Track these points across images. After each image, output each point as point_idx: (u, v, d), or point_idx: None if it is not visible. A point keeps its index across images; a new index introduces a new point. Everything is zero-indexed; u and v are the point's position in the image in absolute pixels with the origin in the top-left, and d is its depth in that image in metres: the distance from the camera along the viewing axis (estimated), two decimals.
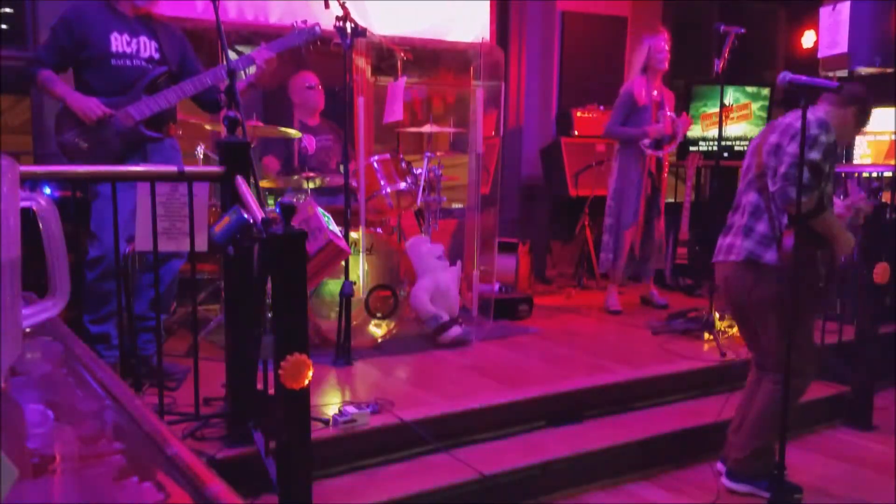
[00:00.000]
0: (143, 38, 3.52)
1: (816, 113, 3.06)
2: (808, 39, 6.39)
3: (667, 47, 5.09)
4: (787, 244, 2.96)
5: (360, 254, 4.09)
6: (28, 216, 0.94)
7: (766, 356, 3.19)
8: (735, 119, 6.66)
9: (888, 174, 5.46)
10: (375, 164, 4.36)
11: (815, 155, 2.89)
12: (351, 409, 3.07)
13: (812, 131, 2.94)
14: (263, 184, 4.06)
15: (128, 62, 3.47)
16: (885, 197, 4.89)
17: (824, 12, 5.32)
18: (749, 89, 6.65)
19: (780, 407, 3.05)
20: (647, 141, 5.08)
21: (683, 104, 6.40)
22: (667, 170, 5.40)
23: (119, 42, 3.46)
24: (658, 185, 5.29)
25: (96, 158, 3.38)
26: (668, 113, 5.16)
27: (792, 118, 3.08)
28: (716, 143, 5.87)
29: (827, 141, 2.94)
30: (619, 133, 5.19)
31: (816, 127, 2.96)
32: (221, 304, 4.36)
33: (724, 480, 3.25)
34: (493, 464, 3.05)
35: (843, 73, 4.98)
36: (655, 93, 5.16)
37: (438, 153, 4.77)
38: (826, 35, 5.37)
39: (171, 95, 3.45)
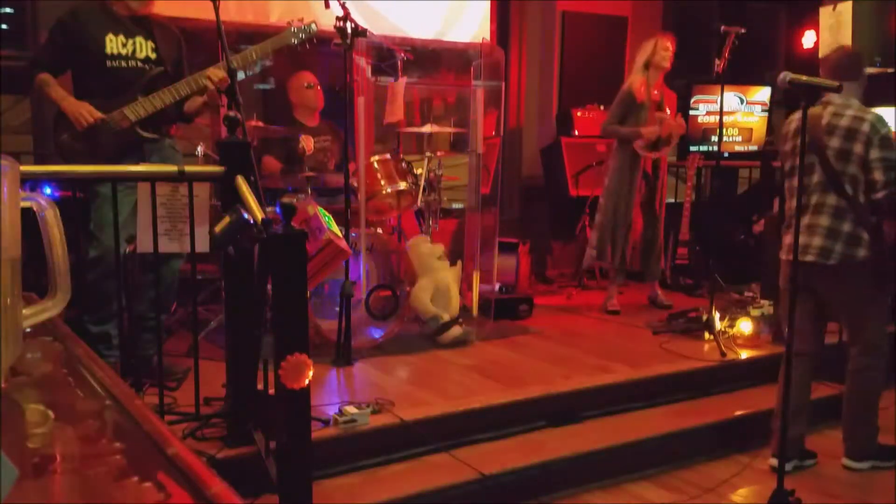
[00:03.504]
0: (139, 39, 3.50)
1: (865, 107, 3.26)
2: (808, 39, 6.37)
3: (672, 48, 5.07)
4: (888, 231, 3.20)
5: (361, 254, 4.09)
6: (28, 216, 0.94)
7: (861, 341, 3.40)
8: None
9: None
10: (375, 164, 4.36)
11: None
12: (351, 409, 3.07)
13: (882, 131, 3.20)
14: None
15: (123, 63, 3.46)
16: None
17: (824, 12, 5.32)
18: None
19: (873, 385, 3.40)
20: (640, 142, 5.05)
21: (683, 104, 6.39)
22: (665, 171, 5.37)
23: (114, 43, 3.45)
24: (654, 186, 5.27)
25: (92, 160, 3.37)
26: (665, 114, 5.11)
27: (848, 121, 3.21)
28: (716, 143, 5.86)
29: (892, 132, 3.21)
30: (613, 131, 5.17)
31: (883, 125, 3.19)
32: (222, 304, 4.35)
33: (848, 461, 3.45)
34: (493, 464, 3.05)
35: None
36: (656, 92, 5.14)
37: (438, 153, 4.77)
38: (826, 35, 5.37)
39: (166, 96, 3.45)
